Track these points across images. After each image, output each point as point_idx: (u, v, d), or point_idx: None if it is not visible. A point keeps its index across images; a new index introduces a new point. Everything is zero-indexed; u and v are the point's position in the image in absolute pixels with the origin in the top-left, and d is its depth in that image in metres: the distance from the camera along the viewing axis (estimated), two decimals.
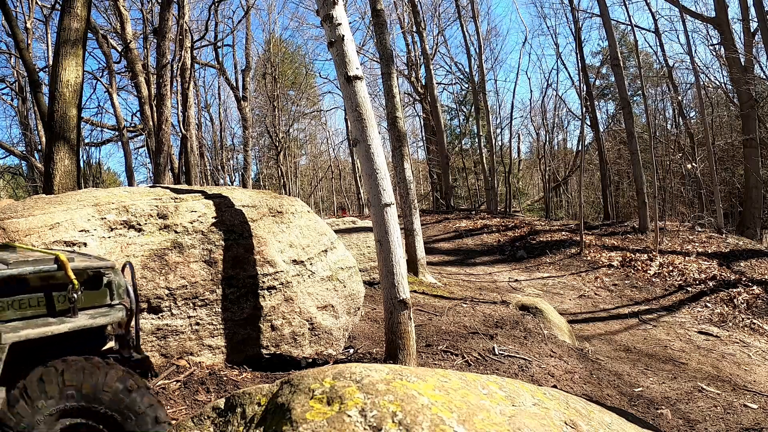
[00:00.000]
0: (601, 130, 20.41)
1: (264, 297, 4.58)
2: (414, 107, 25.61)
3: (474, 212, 18.56)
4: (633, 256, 10.43)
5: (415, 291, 6.80)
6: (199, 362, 4.14)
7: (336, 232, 6.17)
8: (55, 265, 1.99)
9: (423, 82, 21.48)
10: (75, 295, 1.99)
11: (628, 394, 4.92)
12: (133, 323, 2.24)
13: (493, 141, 21.98)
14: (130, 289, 2.22)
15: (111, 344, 2.23)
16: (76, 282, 1.98)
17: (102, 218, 4.00)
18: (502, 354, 4.79)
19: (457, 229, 14.75)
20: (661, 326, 7.16)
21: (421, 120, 25.21)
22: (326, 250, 5.31)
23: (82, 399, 1.85)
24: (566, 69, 27.47)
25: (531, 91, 69.92)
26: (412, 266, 7.83)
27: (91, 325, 2.01)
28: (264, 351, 4.54)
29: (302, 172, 32.46)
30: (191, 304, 4.20)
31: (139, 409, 1.90)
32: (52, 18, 15.88)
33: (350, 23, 5.85)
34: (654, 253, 10.46)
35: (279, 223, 4.97)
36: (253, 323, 4.54)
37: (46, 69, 15.04)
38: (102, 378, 1.88)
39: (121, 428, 1.89)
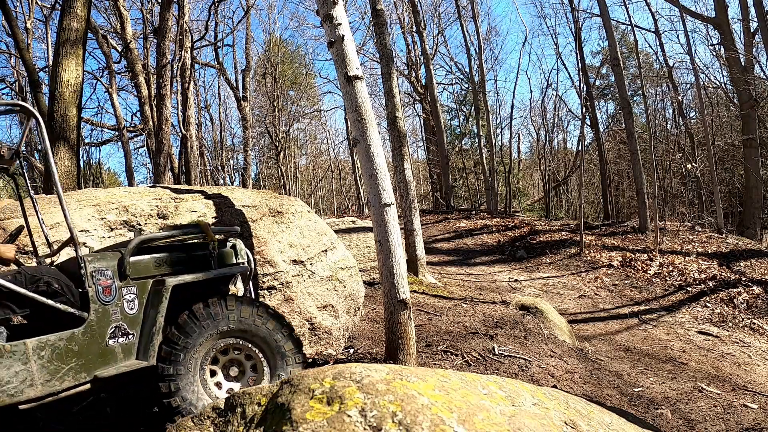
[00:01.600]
0: (601, 130, 20.42)
1: (264, 297, 4.58)
2: (414, 107, 25.62)
3: (474, 212, 18.56)
4: (633, 256, 10.43)
5: (415, 291, 6.80)
6: None
7: (336, 232, 6.16)
8: (198, 229, 2.68)
9: (423, 82, 21.48)
10: (213, 252, 2.67)
11: (628, 394, 4.92)
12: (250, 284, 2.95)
13: (493, 141, 21.99)
14: (249, 252, 2.89)
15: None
16: (211, 234, 2.67)
17: (102, 218, 4.00)
18: (502, 354, 4.79)
19: (457, 229, 14.75)
20: (661, 326, 7.16)
21: (421, 120, 25.22)
22: (326, 250, 5.31)
23: (239, 323, 2.44)
24: (566, 69, 27.49)
25: (531, 91, 69.96)
26: (412, 266, 7.83)
27: (225, 273, 2.67)
28: None
29: (302, 172, 32.47)
30: None
31: (281, 335, 2.55)
32: (52, 18, 15.89)
33: (350, 23, 5.86)
34: (654, 253, 10.46)
35: (279, 223, 4.97)
36: None
37: (46, 69, 15.05)
38: (254, 310, 2.50)
39: (270, 348, 2.51)
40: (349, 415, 1.43)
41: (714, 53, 17.70)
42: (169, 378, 2.24)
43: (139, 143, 20.49)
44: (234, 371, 2.51)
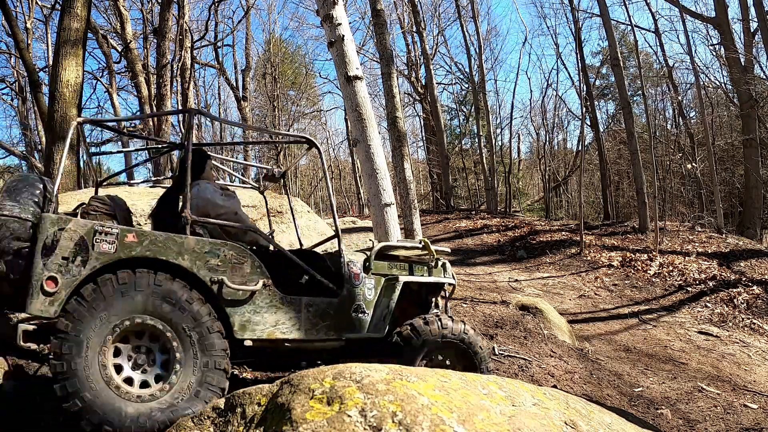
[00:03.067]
0: (601, 130, 20.42)
1: None
2: (414, 107, 25.62)
3: (474, 212, 18.56)
4: (633, 256, 10.42)
5: None
6: None
7: None
8: (422, 245, 3.37)
9: (423, 82, 21.48)
10: (432, 264, 3.42)
11: (628, 394, 4.92)
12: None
13: (493, 141, 21.99)
14: (453, 273, 3.59)
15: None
16: (435, 255, 3.40)
17: None
18: (502, 354, 4.79)
19: (457, 229, 14.75)
20: (661, 326, 7.16)
21: (421, 120, 25.21)
22: (326, 250, 5.32)
23: (452, 333, 3.04)
24: (566, 69, 27.52)
25: (531, 91, 69.87)
26: None
27: (438, 282, 3.43)
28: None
29: (302, 172, 32.46)
30: None
31: (481, 349, 3.16)
32: (52, 18, 15.90)
33: (350, 23, 5.86)
34: (654, 253, 10.46)
35: (279, 223, 4.98)
36: None
37: (46, 69, 15.04)
38: (461, 324, 3.10)
39: (473, 350, 3.11)
40: (349, 415, 1.43)
41: (714, 53, 17.71)
42: (400, 355, 2.84)
43: (139, 143, 20.48)
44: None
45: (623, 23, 19.64)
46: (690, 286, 8.76)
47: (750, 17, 14.33)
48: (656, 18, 17.08)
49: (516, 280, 9.46)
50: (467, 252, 12.40)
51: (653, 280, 9.21)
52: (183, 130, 13.19)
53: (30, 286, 2.23)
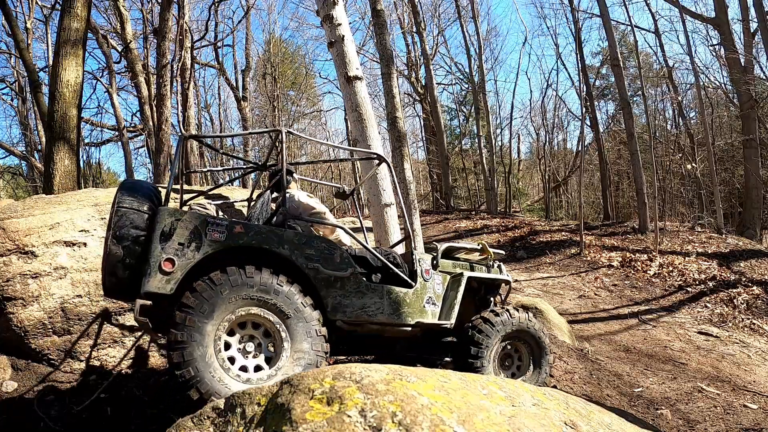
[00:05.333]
0: (601, 130, 20.41)
1: None
2: (414, 107, 25.60)
3: (474, 212, 18.56)
4: (633, 256, 10.43)
5: None
6: None
7: None
8: (480, 247, 3.84)
9: (423, 82, 21.48)
10: (491, 264, 3.84)
11: (627, 394, 4.92)
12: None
13: (493, 141, 21.97)
14: (506, 270, 3.99)
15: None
16: (493, 256, 3.84)
17: (102, 218, 4.00)
18: None
19: (457, 230, 14.74)
20: (660, 326, 7.16)
21: (421, 120, 25.21)
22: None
23: (517, 326, 3.47)
24: (566, 69, 27.58)
25: (531, 91, 69.93)
26: None
27: (496, 280, 3.80)
28: None
29: (303, 172, 32.44)
30: None
31: (542, 336, 3.61)
32: (52, 18, 15.89)
33: (350, 23, 5.86)
34: (654, 253, 10.46)
35: None
36: None
37: (46, 69, 15.04)
38: (529, 316, 3.55)
39: (538, 345, 3.59)
40: (349, 416, 1.43)
41: (714, 53, 17.72)
42: (477, 338, 3.33)
43: (139, 143, 20.47)
44: (509, 362, 3.61)
45: (623, 23, 19.65)
46: (690, 287, 8.76)
47: (750, 17, 14.33)
48: (656, 18, 17.11)
49: (516, 281, 9.46)
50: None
51: (653, 280, 9.21)
52: (183, 130, 13.18)
53: (148, 267, 2.53)
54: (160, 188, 3.15)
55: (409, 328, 3.18)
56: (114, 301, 3.82)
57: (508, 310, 3.47)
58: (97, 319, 3.77)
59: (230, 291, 2.56)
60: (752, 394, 5.08)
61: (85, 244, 3.84)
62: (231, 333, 2.62)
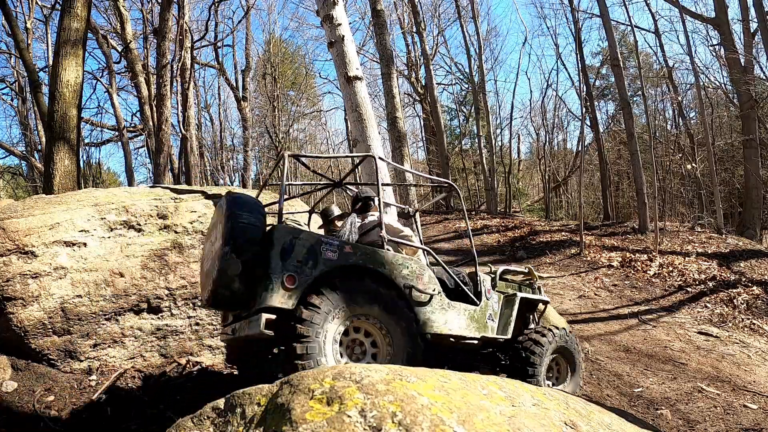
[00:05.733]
0: (601, 130, 20.41)
1: None
2: (414, 107, 25.61)
3: (474, 212, 18.55)
4: (633, 256, 10.42)
5: None
6: (199, 362, 4.13)
7: None
8: (525, 270, 4.35)
9: (423, 82, 21.48)
10: (536, 286, 4.27)
11: (627, 394, 4.92)
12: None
13: (493, 141, 21.97)
14: (544, 292, 4.39)
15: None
16: (536, 277, 4.31)
17: (102, 218, 4.00)
18: None
19: (456, 230, 14.73)
20: (660, 326, 7.16)
21: (421, 120, 25.21)
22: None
23: (560, 343, 3.89)
24: (566, 69, 27.60)
25: (531, 91, 69.91)
26: None
27: (539, 300, 4.17)
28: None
29: (302, 173, 32.44)
30: (191, 304, 4.20)
31: (577, 347, 4.03)
32: (52, 18, 15.88)
33: (350, 23, 5.85)
34: (654, 253, 10.46)
35: None
36: None
37: (46, 69, 15.03)
38: (566, 333, 3.96)
39: (573, 359, 3.99)
40: (349, 416, 1.43)
41: (714, 54, 17.72)
42: (532, 359, 3.65)
43: (139, 143, 20.47)
44: (551, 373, 3.96)
45: (623, 24, 19.64)
46: (690, 287, 8.76)
47: (750, 18, 14.33)
48: (656, 18, 17.10)
49: None
50: (467, 253, 12.39)
51: (653, 280, 9.20)
52: (183, 130, 13.18)
53: (270, 282, 2.68)
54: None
55: (476, 342, 3.54)
56: (114, 301, 3.82)
57: (551, 330, 3.85)
58: (98, 320, 3.77)
59: (349, 299, 2.82)
60: (752, 394, 5.08)
61: (85, 244, 3.84)
62: (346, 333, 2.87)
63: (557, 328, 3.91)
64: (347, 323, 2.83)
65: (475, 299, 3.59)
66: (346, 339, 2.87)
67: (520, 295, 3.88)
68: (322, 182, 4.58)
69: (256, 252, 2.77)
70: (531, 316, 4.26)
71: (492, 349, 3.93)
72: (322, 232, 3.84)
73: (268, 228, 2.93)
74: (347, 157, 4.18)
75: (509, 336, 3.69)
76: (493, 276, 3.98)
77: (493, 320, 3.68)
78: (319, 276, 2.80)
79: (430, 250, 3.63)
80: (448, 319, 3.30)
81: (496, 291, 3.89)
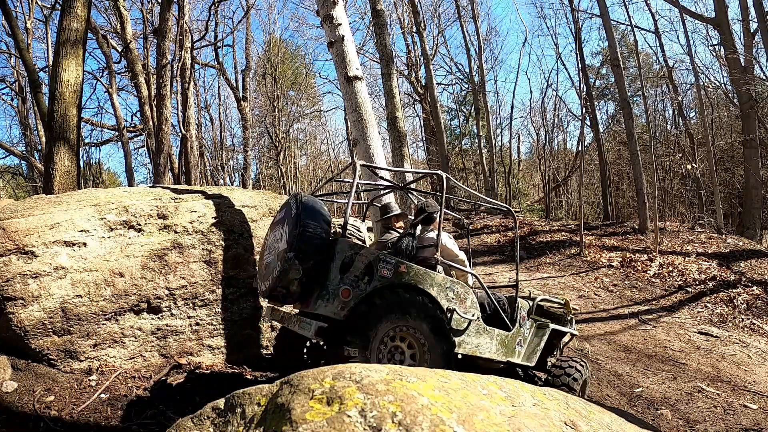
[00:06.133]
0: (601, 130, 20.41)
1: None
2: (414, 107, 25.61)
3: (474, 212, 18.55)
4: (633, 256, 10.42)
5: None
6: (199, 362, 4.13)
7: None
8: (562, 302, 4.41)
9: (423, 82, 21.47)
10: (569, 318, 4.36)
11: (627, 394, 4.92)
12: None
13: (493, 141, 21.99)
14: (575, 325, 4.51)
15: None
16: (571, 309, 4.40)
17: (102, 218, 4.00)
18: None
19: (457, 230, 14.73)
20: (660, 326, 7.16)
21: (421, 120, 25.21)
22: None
23: (586, 376, 3.98)
24: (566, 69, 27.62)
25: (531, 91, 69.95)
26: None
27: (569, 332, 4.35)
28: (264, 351, 4.54)
29: (302, 173, 32.45)
30: (191, 305, 4.20)
31: (584, 372, 3.94)
32: (52, 18, 15.89)
33: (350, 23, 5.85)
34: (654, 253, 10.46)
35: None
36: (253, 323, 4.54)
37: (46, 69, 15.03)
38: (574, 360, 3.97)
39: (584, 387, 4.01)
40: (349, 416, 1.43)
41: (714, 53, 17.72)
42: (569, 388, 3.71)
43: (139, 143, 20.47)
44: None
45: (623, 24, 19.66)
46: (690, 287, 8.76)
47: (750, 18, 14.33)
48: (656, 18, 17.09)
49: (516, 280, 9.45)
50: (467, 252, 12.38)
51: (653, 280, 9.20)
52: (183, 130, 13.17)
53: (326, 292, 2.91)
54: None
55: (502, 365, 3.73)
56: (114, 301, 3.82)
57: (583, 363, 3.99)
58: (98, 320, 3.77)
59: (404, 310, 3.03)
60: (752, 394, 5.08)
61: (85, 244, 3.84)
62: (393, 338, 3.06)
63: (585, 361, 4.05)
64: (396, 330, 3.02)
65: (510, 324, 3.74)
66: (391, 343, 3.05)
67: (552, 326, 4.04)
68: (385, 184, 4.66)
69: (318, 260, 2.97)
70: (556, 345, 4.38)
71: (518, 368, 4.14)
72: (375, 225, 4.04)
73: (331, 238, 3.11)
74: (416, 172, 4.28)
75: (533, 364, 3.86)
76: (530, 305, 4.12)
77: (521, 346, 3.83)
78: (372, 291, 2.99)
79: (478, 276, 3.75)
80: (481, 342, 3.48)
81: (531, 318, 4.05)
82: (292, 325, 3.13)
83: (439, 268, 3.44)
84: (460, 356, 3.32)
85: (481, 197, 4.69)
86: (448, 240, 3.80)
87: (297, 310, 3.51)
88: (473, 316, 3.41)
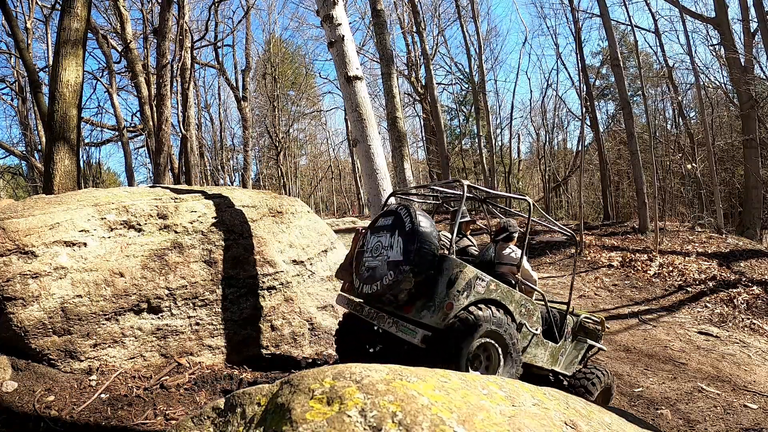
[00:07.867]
0: (601, 130, 20.40)
1: (264, 297, 4.58)
2: (414, 107, 25.61)
3: (474, 212, 18.54)
4: (633, 256, 10.42)
5: None
6: (199, 362, 4.13)
7: (336, 232, 6.16)
8: (599, 320, 4.59)
9: (423, 82, 21.47)
10: (600, 334, 4.59)
11: (628, 394, 4.92)
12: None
13: (493, 141, 21.99)
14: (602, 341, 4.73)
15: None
16: (605, 328, 4.65)
17: (102, 218, 3.99)
18: None
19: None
20: (661, 326, 7.16)
21: (421, 120, 25.21)
22: (326, 250, 5.31)
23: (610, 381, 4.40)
24: (566, 69, 27.56)
25: (531, 91, 69.95)
26: None
27: (600, 347, 4.62)
28: (264, 351, 4.54)
29: (302, 173, 32.47)
30: (191, 304, 4.20)
31: (604, 380, 4.28)
32: (52, 18, 15.88)
33: (350, 23, 5.85)
34: (654, 253, 10.46)
35: (279, 223, 4.97)
36: (253, 323, 4.54)
37: (46, 69, 15.03)
38: (597, 368, 4.37)
39: (610, 394, 4.40)
40: (349, 416, 1.43)
41: (714, 53, 17.71)
42: (592, 394, 4.10)
43: (139, 143, 20.48)
44: None
45: (623, 23, 19.66)
46: (690, 287, 8.76)
47: (750, 17, 14.33)
48: (656, 18, 17.10)
49: None
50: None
51: (653, 280, 9.20)
52: (183, 130, 13.17)
53: (433, 305, 3.28)
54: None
55: (548, 373, 4.13)
56: (114, 301, 3.82)
57: (605, 372, 4.32)
58: (98, 320, 3.77)
59: (486, 323, 3.30)
60: (752, 394, 5.08)
61: (85, 244, 3.84)
62: (479, 347, 3.34)
63: (606, 370, 4.37)
64: (484, 339, 3.33)
65: (558, 337, 4.11)
66: (477, 351, 3.34)
67: (589, 342, 4.43)
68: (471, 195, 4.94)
69: (429, 274, 3.32)
70: (585, 355, 4.73)
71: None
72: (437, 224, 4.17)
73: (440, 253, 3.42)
74: (506, 196, 4.62)
75: (570, 373, 4.28)
76: (576, 321, 4.46)
77: (562, 356, 4.20)
78: (468, 304, 3.32)
79: (545, 295, 4.09)
80: (538, 353, 3.88)
81: (572, 331, 4.41)
82: (388, 326, 3.42)
83: (517, 288, 3.78)
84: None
85: (550, 220, 4.92)
86: (526, 262, 4.13)
87: (366, 305, 3.75)
88: (537, 330, 3.79)
